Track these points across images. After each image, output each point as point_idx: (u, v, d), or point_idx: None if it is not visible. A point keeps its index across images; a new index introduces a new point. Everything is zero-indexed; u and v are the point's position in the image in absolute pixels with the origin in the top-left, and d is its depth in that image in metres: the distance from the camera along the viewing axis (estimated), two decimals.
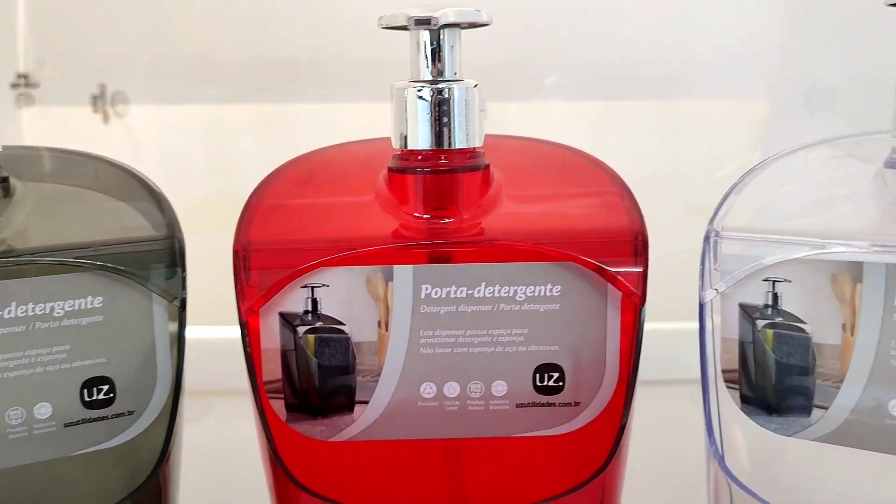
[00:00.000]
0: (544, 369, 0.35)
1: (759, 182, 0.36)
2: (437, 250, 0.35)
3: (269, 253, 0.34)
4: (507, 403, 0.35)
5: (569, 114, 0.70)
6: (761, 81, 0.70)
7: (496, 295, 0.34)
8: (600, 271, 0.34)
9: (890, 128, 0.33)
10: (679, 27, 0.69)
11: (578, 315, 0.34)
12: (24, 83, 0.66)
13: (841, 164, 0.36)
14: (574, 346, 0.35)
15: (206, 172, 0.69)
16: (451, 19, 0.33)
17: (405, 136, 0.35)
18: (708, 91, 0.70)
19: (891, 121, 0.33)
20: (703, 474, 0.36)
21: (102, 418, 0.34)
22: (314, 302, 0.34)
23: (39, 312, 0.32)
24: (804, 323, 0.33)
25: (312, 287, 0.34)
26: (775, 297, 0.34)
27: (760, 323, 0.34)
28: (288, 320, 0.34)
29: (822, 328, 0.33)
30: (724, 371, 0.35)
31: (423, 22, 0.32)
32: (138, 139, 0.68)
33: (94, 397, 0.33)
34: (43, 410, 0.33)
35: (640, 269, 0.34)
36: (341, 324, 0.34)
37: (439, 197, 0.35)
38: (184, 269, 0.35)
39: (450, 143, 0.35)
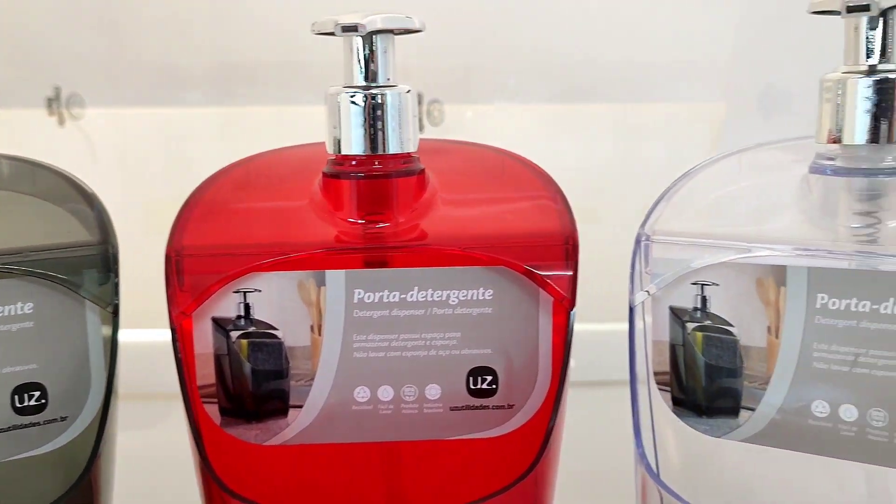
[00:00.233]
0: (478, 372, 0.35)
1: (692, 186, 0.37)
2: (369, 255, 0.35)
3: (201, 258, 0.34)
4: (441, 407, 0.35)
5: (526, 117, 0.71)
6: (717, 84, 0.70)
7: (429, 299, 0.35)
8: (530, 275, 0.34)
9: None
10: (636, 31, 0.70)
11: (511, 318, 0.35)
12: None
13: (772, 168, 0.37)
14: (507, 349, 0.35)
15: (164, 175, 0.68)
16: (379, 26, 0.33)
17: (339, 141, 0.35)
18: (664, 94, 0.71)
19: (815, 126, 0.33)
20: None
21: (34, 424, 0.34)
22: (247, 307, 0.34)
23: None
24: (732, 326, 0.34)
25: (245, 292, 0.34)
26: (704, 300, 0.34)
27: (690, 326, 0.34)
28: (221, 325, 0.34)
29: (748, 331, 0.33)
30: (656, 373, 0.35)
31: (350, 29, 0.32)
32: (95, 142, 0.67)
33: (26, 403, 0.33)
34: None
35: (570, 273, 0.34)
36: (274, 328, 0.34)
37: (373, 202, 0.35)
38: (117, 275, 0.35)
39: (384, 148, 0.35)
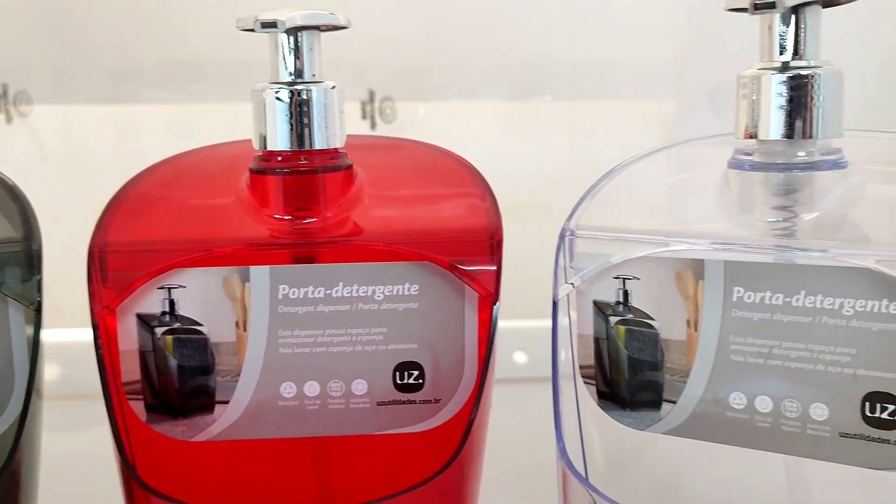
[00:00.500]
0: (404, 367, 0.35)
1: (618, 182, 0.37)
2: (294, 251, 0.35)
3: (124, 254, 0.34)
4: (368, 402, 0.35)
5: (479, 115, 0.71)
6: (668, 82, 0.71)
7: (354, 295, 0.35)
8: (454, 271, 0.34)
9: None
10: (588, 30, 0.70)
11: (437, 314, 0.35)
12: None
13: (697, 164, 0.37)
14: (433, 344, 0.35)
15: (113, 173, 0.68)
16: (299, 23, 0.33)
17: (264, 138, 0.35)
18: (616, 92, 0.71)
19: (734, 123, 0.34)
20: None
21: None
22: (171, 303, 0.34)
23: None
24: (653, 319, 0.34)
25: (169, 288, 0.34)
26: (626, 294, 0.34)
27: (613, 319, 0.35)
28: (145, 321, 0.34)
29: (668, 324, 0.34)
30: (581, 367, 0.36)
31: (269, 25, 0.32)
32: (43, 139, 0.67)
33: None
34: None
35: (494, 269, 0.34)
36: (199, 324, 0.34)
37: (300, 197, 0.36)
38: (40, 272, 0.35)
39: (310, 144, 0.35)
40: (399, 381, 0.35)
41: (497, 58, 0.70)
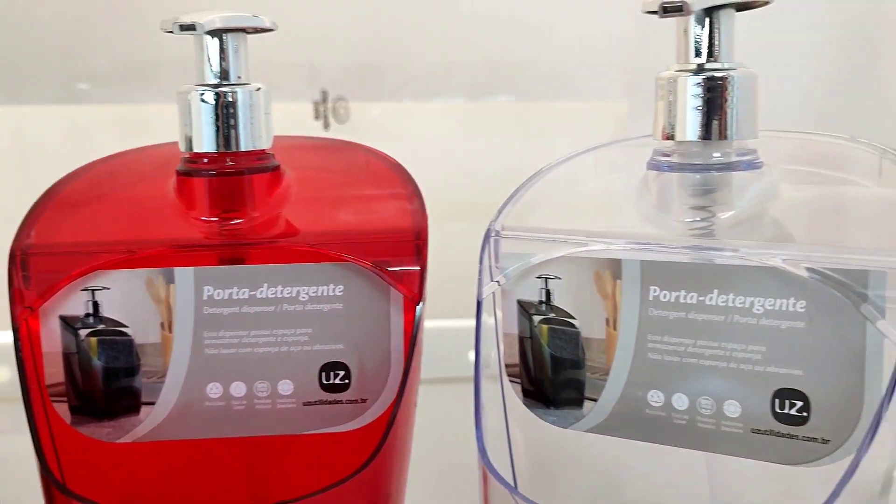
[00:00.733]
0: (330, 368, 0.35)
1: (545, 183, 0.37)
2: (220, 252, 0.35)
3: (46, 255, 0.34)
4: (295, 402, 0.36)
5: (432, 115, 0.71)
6: (619, 83, 0.71)
7: (279, 295, 0.35)
8: (377, 272, 0.34)
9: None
10: (540, 30, 0.70)
11: (362, 314, 0.35)
12: None
13: (622, 164, 0.38)
14: (359, 344, 0.35)
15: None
16: (218, 25, 0.33)
17: (190, 139, 0.35)
18: (568, 92, 0.72)
19: (653, 124, 0.34)
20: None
21: None
22: (95, 305, 0.34)
23: None
24: (574, 318, 0.34)
25: (93, 290, 0.34)
26: (548, 293, 0.35)
27: (536, 319, 0.35)
28: (69, 323, 0.34)
29: (589, 323, 0.34)
30: (507, 366, 0.36)
31: (187, 28, 0.33)
32: None
33: None
34: None
35: (418, 269, 0.35)
36: (123, 326, 0.34)
37: (225, 199, 0.36)
38: None
39: (236, 146, 0.35)
40: (325, 382, 0.36)
41: (451, 58, 0.71)
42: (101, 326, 0.34)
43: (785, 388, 0.31)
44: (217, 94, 0.35)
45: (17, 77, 0.66)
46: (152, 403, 0.35)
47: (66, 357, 0.34)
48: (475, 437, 0.33)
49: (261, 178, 0.36)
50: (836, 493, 0.27)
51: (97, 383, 0.35)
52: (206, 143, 0.35)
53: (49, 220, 0.35)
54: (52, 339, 0.34)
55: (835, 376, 0.30)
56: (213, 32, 0.34)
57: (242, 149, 0.35)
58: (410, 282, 0.35)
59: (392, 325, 0.35)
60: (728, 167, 0.33)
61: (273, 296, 0.35)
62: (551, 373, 0.35)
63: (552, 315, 0.35)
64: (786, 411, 0.31)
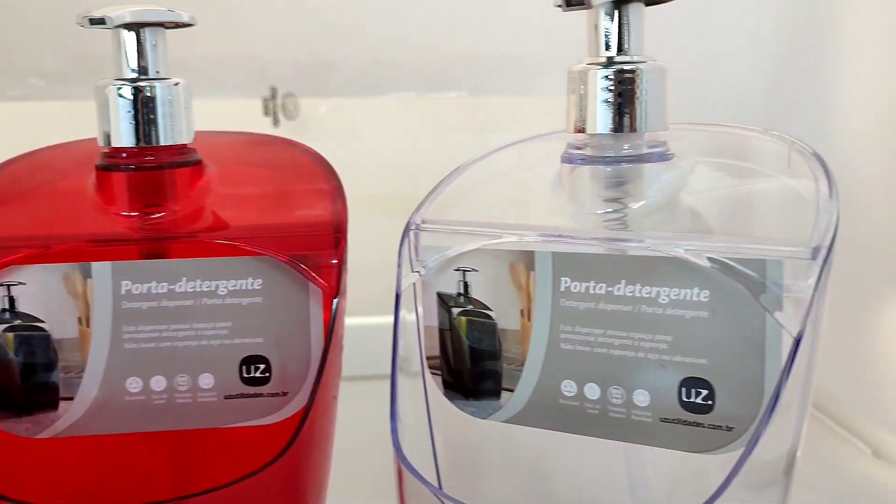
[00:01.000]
0: (250, 361, 0.36)
1: (467, 177, 0.38)
2: (138, 246, 0.35)
3: None
4: (215, 395, 0.36)
5: (381, 110, 0.72)
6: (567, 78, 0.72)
7: (198, 290, 0.35)
8: (293, 265, 0.34)
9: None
10: (488, 25, 0.71)
11: (281, 308, 0.35)
12: None
13: (542, 158, 0.38)
14: (279, 337, 0.36)
15: None
16: (128, 20, 0.33)
17: (108, 134, 0.35)
18: (516, 87, 0.72)
19: (565, 119, 0.35)
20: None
21: None
22: (11, 300, 0.34)
23: None
24: (490, 310, 0.35)
25: (9, 285, 0.34)
26: (466, 285, 0.35)
27: (455, 311, 0.35)
28: None
29: (505, 314, 0.34)
30: (428, 358, 0.36)
31: (97, 22, 0.33)
32: None
33: None
34: None
35: (336, 262, 0.35)
36: (40, 321, 0.34)
37: (146, 193, 0.36)
38: None
39: (155, 140, 0.35)
40: (246, 375, 0.36)
41: (401, 53, 0.71)
42: (17, 322, 0.34)
43: (691, 377, 0.31)
44: (135, 88, 0.35)
45: None
46: (71, 398, 0.35)
47: None
48: (391, 430, 0.33)
49: (182, 172, 0.36)
50: (734, 473, 0.27)
51: (14, 379, 0.35)
52: (124, 137, 0.35)
53: None
54: None
55: (737, 365, 0.30)
56: (130, 27, 0.34)
57: (162, 143, 0.35)
58: (328, 276, 0.35)
59: (312, 319, 0.35)
60: (639, 159, 0.33)
61: (192, 290, 0.35)
62: (470, 364, 0.35)
63: (470, 307, 0.35)
64: (692, 400, 0.31)
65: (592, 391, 0.33)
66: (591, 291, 0.32)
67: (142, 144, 0.35)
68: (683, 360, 0.31)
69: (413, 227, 0.36)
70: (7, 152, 0.68)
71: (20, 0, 0.66)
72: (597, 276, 0.32)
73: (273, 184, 0.38)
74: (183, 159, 0.36)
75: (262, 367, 0.36)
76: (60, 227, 0.35)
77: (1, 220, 0.35)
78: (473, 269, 0.35)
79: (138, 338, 0.35)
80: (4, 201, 0.36)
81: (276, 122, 0.70)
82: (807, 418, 0.31)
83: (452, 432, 0.37)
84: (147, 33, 0.35)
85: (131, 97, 0.35)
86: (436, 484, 0.37)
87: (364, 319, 0.52)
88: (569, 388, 0.33)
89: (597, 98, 0.33)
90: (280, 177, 0.38)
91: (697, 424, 0.31)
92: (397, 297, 0.36)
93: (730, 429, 0.30)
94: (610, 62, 0.32)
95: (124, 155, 0.35)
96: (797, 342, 0.28)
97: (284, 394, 0.36)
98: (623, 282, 0.32)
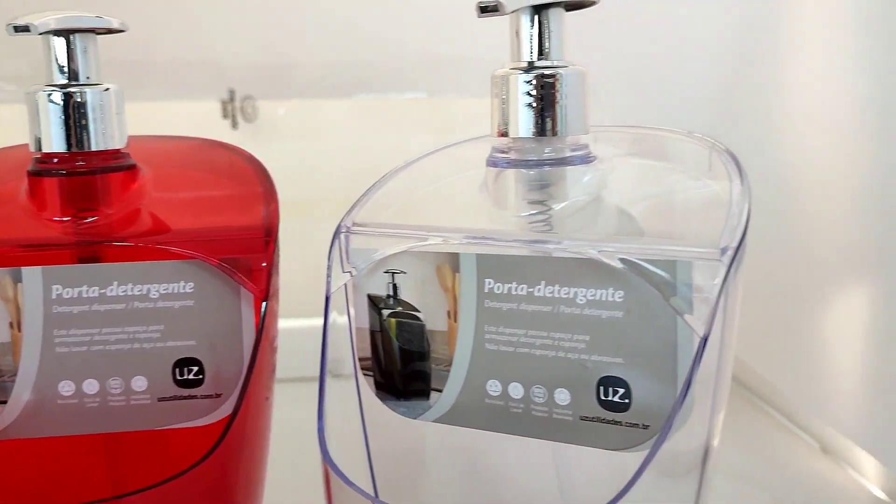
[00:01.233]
0: (183, 363, 0.36)
1: (398, 181, 0.38)
2: (70, 251, 0.35)
3: None
4: (149, 398, 0.36)
5: (339, 111, 0.72)
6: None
7: (129, 293, 0.35)
8: (223, 268, 0.35)
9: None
10: (449, 27, 0.71)
11: (213, 310, 0.36)
12: None
13: (473, 161, 0.38)
14: (211, 340, 0.36)
15: None
16: (53, 27, 0.33)
17: (40, 140, 0.35)
18: (479, 89, 0.73)
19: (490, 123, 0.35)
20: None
21: None
22: None
23: None
24: (419, 311, 0.35)
25: None
26: (395, 287, 0.36)
27: (385, 312, 0.36)
28: None
29: (432, 316, 0.35)
30: (360, 359, 0.37)
31: (22, 29, 0.33)
32: None
33: None
34: None
35: (266, 265, 0.35)
36: None
37: (79, 198, 0.36)
38: None
39: (87, 146, 0.36)
40: (179, 377, 0.36)
41: (359, 55, 0.71)
42: None
43: (608, 376, 0.32)
44: (65, 94, 0.35)
45: None
46: (4, 402, 0.35)
47: None
48: (318, 430, 0.34)
49: (115, 177, 0.36)
50: (642, 469, 0.28)
51: None
52: (55, 143, 0.35)
53: None
54: None
55: (651, 364, 0.31)
56: (58, 33, 0.34)
57: (93, 148, 0.36)
58: (259, 279, 0.35)
59: (244, 321, 0.36)
60: (561, 162, 0.34)
61: (123, 293, 0.35)
62: (400, 365, 0.36)
63: (399, 308, 0.35)
64: (610, 398, 0.32)
65: (516, 390, 0.33)
66: (514, 292, 0.33)
67: (73, 150, 0.35)
68: (601, 359, 0.32)
69: (343, 230, 0.36)
70: None
71: None
72: (518, 277, 0.33)
73: (206, 187, 0.38)
74: (115, 164, 0.36)
75: (195, 369, 0.36)
76: None
77: None
78: (402, 272, 0.35)
79: (70, 341, 0.35)
80: None
81: (234, 125, 0.70)
82: (723, 411, 0.31)
83: (386, 434, 0.37)
84: (77, 39, 0.35)
85: (61, 103, 0.35)
86: (370, 486, 0.37)
87: (305, 321, 0.52)
88: (494, 387, 0.34)
89: (518, 102, 0.33)
90: (214, 180, 0.39)
91: (616, 423, 0.32)
92: (327, 299, 0.36)
93: (646, 427, 0.31)
94: (531, 67, 0.33)
95: (56, 160, 0.35)
96: (703, 342, 0.28)
97: (218, 395, 0.36)
98: (543, 283, 0.32)
